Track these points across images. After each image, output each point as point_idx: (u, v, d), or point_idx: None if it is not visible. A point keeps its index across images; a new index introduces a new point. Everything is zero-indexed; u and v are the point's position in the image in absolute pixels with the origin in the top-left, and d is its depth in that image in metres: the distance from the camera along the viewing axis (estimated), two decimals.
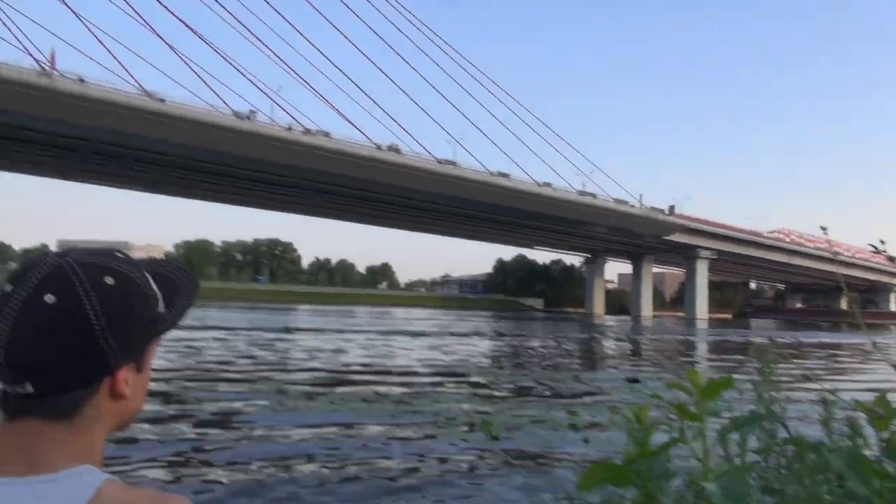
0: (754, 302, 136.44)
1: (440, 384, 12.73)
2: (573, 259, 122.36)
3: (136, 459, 6.19)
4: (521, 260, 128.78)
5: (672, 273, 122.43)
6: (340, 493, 5.65)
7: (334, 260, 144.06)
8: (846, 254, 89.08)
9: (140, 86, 44.40)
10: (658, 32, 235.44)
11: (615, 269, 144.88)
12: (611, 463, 1.07)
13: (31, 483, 0.69)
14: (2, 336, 0.71)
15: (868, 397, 1.39)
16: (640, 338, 37.42)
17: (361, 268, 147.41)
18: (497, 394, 11.91)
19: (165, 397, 9.66)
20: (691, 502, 1.29)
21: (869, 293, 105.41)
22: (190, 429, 7.91)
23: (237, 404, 9.66)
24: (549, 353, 23.22)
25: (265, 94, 51.80)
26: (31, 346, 0.71)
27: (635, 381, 13.99)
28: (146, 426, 7.46)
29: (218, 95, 52.76)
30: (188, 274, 0.88)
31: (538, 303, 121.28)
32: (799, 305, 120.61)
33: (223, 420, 8.53)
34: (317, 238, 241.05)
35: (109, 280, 0.75)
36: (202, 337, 20.58)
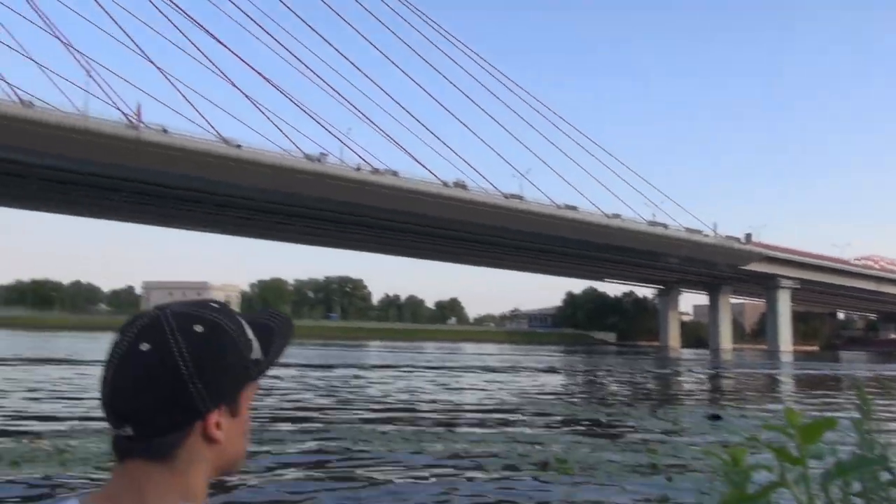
0: (843, 333, 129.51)
1: (512, 423, 12.55)
2: (646, 291, 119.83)
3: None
4: (591, 293, 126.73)
5: (752, 304, 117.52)
6: None
7: (403, 296, 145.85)
8: None
9: (218, 133, 46.72)
10: (733, 63, 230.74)
11: (690, 301, 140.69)
12: None
13: None
14: (106, 382, 0.79)
15: None
16: (721, 372, 36.02)
17: (430, 303, 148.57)
18: (571, 430, 11.64)
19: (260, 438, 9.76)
20: None
21: None
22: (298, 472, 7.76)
23: (315, 443, 9.75)
24: (625, 389, 22.62)
25: (334, 136, 53.61)
26: (129, 393, 0.77)
27: (717, 417, 13.42)
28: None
29: (290, 139, 54.88)
30: (284, 319, 0.91)
31: (610, 336, 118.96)
32: (893, 336, 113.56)
33: (316, 463, 8.42)
34: (386, 274, 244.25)
35: (199, 328, 0.79)
36: (284, 374, 21.14)
